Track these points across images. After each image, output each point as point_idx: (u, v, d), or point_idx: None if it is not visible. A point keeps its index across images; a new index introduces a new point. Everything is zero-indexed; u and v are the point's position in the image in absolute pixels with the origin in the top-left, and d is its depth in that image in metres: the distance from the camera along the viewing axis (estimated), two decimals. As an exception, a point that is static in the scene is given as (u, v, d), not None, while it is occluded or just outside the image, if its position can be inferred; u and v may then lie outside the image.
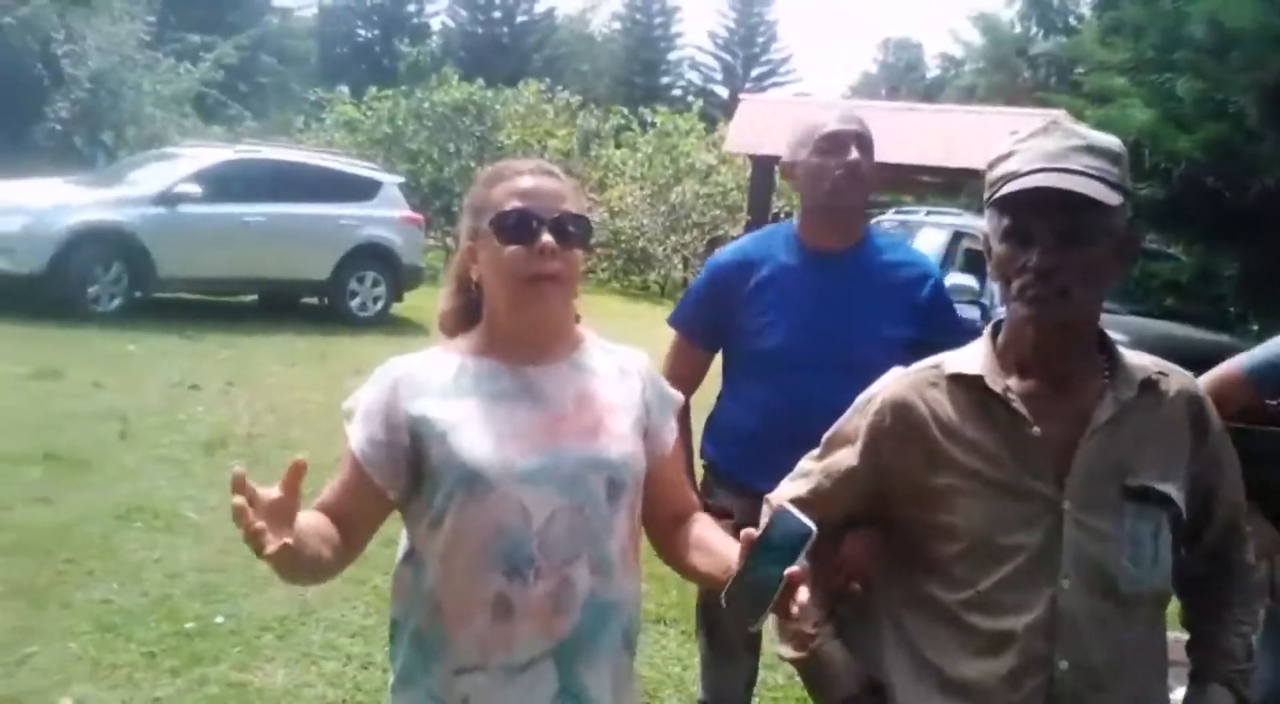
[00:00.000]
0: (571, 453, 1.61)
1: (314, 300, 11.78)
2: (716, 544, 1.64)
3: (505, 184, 1.64)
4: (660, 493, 1.75)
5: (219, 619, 3.88)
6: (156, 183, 10.32)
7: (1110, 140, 1.50)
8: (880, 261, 2.52)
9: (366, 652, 3.70)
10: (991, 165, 1.53)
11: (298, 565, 1.44)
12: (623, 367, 1.75)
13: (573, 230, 1.62)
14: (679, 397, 1.83)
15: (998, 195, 1.47)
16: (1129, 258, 1.52)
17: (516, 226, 1.59)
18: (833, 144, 2.43)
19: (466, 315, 1.72)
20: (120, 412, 6.52)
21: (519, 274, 1.58)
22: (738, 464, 2.55)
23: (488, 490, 1.56)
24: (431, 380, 1.64)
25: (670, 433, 1.77)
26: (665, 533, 1.77)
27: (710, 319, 2.58)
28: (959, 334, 2.53)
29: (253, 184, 10.80)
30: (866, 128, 2.49)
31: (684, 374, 2.54)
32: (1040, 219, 1.43)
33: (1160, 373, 1.55)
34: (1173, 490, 1.50)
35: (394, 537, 1.73)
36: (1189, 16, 5.68)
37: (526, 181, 1.64)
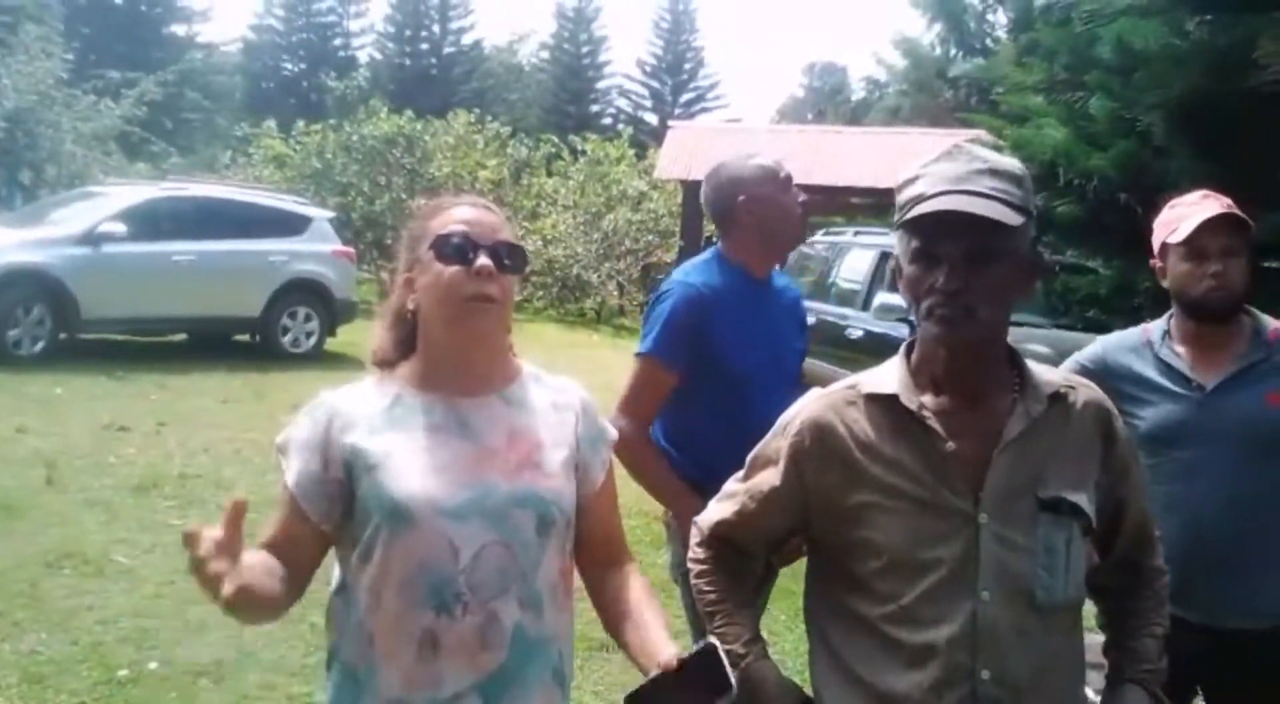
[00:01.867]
0: (500, 488, 1.61)
1: (246, 337, 11.61)
2: (648, 625, 1.66)
3: (443, 215, 1.69)
4: (589, 529, 1.76)
5: (152, 665, 3.80)
6: (79, 222, 10.14)
7: (1012, 163, 1.55)
8: (778, 286, 2.83)
9: (306, 691, 3.65)
10: (900, 188, 1.58)
11: (253, 605, 1.46)
12: (556, 401, 1.76)
13: (508, 257, 1.66)
14: (613, 432, 1.84)
15: (906, 218, 1.52)
16: (1034, 276, 1.58)
17: (456, 249, 1.63)
18: (788, 184, 2.70)
19: (402, 347, 1.73)
20: (46, 456, 6.37)
21: (458, 293, 1.61)
22: (716, 475, 2.56)
23: (413, 525, 1.56)
24: (364, 413, 1.65)
25: (601, 468, 1.77)
26: (596, 579, 1.79)
27: (689, 345, 2.64)
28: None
29: (180, 221, 10.65)
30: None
31: (652, 401, 2.65)
32: (946, 240, 1.48)
33: (1068, 386, 1.60)
34: (1083, 500, 1.55)
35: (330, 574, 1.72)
36: (1098, 38, 5.86)
37: (463, 212, 1.69)
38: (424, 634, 1.56)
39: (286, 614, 1.63)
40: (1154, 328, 2.52)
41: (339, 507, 1.62)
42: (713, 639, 1.49)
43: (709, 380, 2.64)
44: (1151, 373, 2.46)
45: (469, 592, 1.57)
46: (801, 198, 2.69)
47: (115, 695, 3.57)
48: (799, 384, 2.61)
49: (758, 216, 2.67)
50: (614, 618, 1.74)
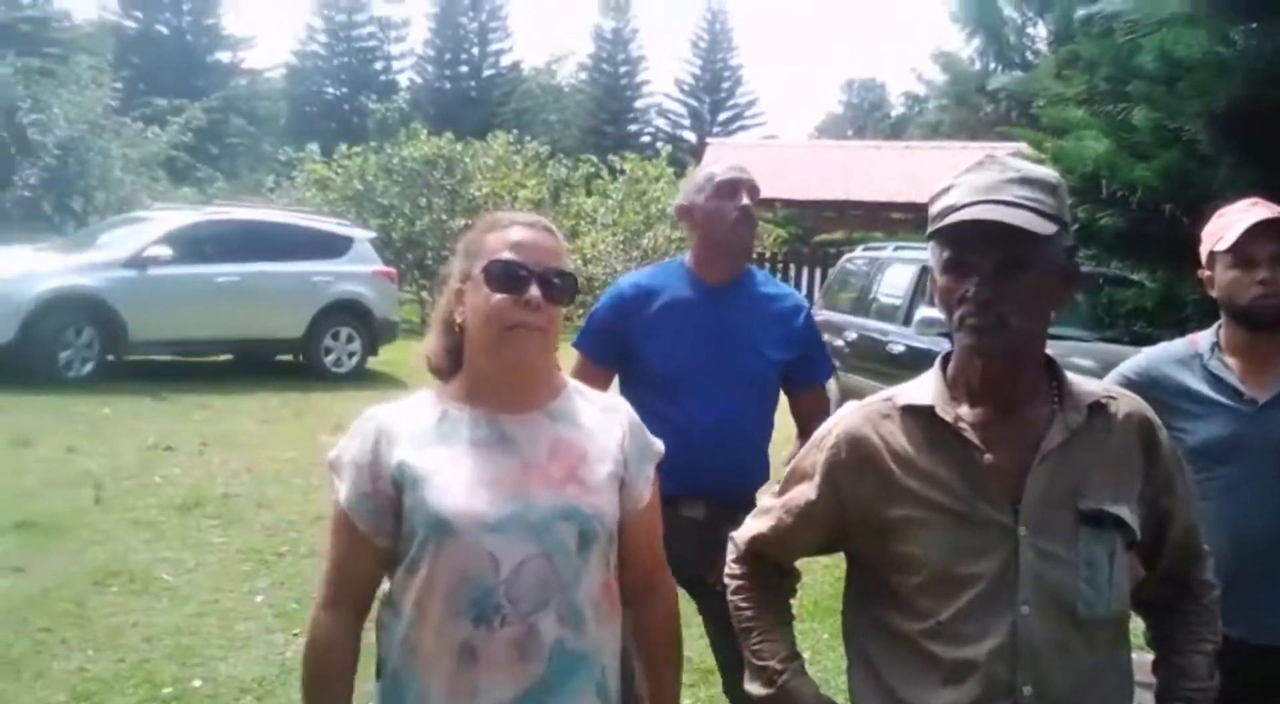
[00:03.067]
0: (542, 502, 1.62)
1: (289, 358, 11.74)
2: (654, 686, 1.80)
3: (500, 233, 1.70)
4: (631, 544, 1.77)
5: (197, 683, 3.83)
6: (126, 246, 10.32)
7: (1045, 172, 1.53)
8: (761, 293, 2.82)
9: (348, 709, 3.66)
10: (933, 200, 1.56)
11: None
12: (603, 416, 1.77)
13: (559, 285, 1.67)
14: (660, 447, 1.85)
15: (937, 228, 1.51)
16: (1070, 285, 1.55)
17: (505, 276, 1.64)
18: (728, 190, 2.74)
19: (452, 357, 1.75)
20: (95, 476, 6.47)
21: (502, 322, 1.62)
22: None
23: (456, 539, 1.59)
24: (410, 429, 1.67)
25: (646, 484, 1.79)
26: (631, 597, 1.79)
27: (612, 342, 2.79)
28: (826, 355, 2.97)
29: (224, 244, 10.81)
30: (747, 171, 2.81)
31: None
32: (977, 250, 1.46)
33: (1109, 397, 1.57)
34: (1125, 513, 1.52)
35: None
36: (1140, 48, 5.79)
37: (521, 234, 1.69)
38: (463, 645, 1.58)
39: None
40: (1202, 339, 2.45)
41: (389, 521, 1.65)
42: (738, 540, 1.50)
43: (636, 380, 2.77)
44: (1200, 385, 2.39)
45: (508, 604, 1.58)
46: (742, 202, 2.70)
47: (159, 713, 3.60)
48: (765, 389, 2.73)
49: (697, 223, 2.79)
50: (639, 662, 1.83)
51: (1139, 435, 1.58)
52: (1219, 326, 2.44)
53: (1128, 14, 5.92)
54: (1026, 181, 1.49)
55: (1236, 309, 2.37)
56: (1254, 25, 5.16)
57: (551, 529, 1.62)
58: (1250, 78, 5.01)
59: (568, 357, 2.12)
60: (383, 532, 1.65)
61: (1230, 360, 2.39)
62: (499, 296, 1.63)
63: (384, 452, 1.65)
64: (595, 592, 1.67)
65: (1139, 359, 2.55)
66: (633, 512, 1.75)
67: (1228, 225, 2.38)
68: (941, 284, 1.53)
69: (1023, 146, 8.16)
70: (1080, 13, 7.09)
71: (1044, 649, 1.46)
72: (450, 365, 1.75)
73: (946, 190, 1.54)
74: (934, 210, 1.54)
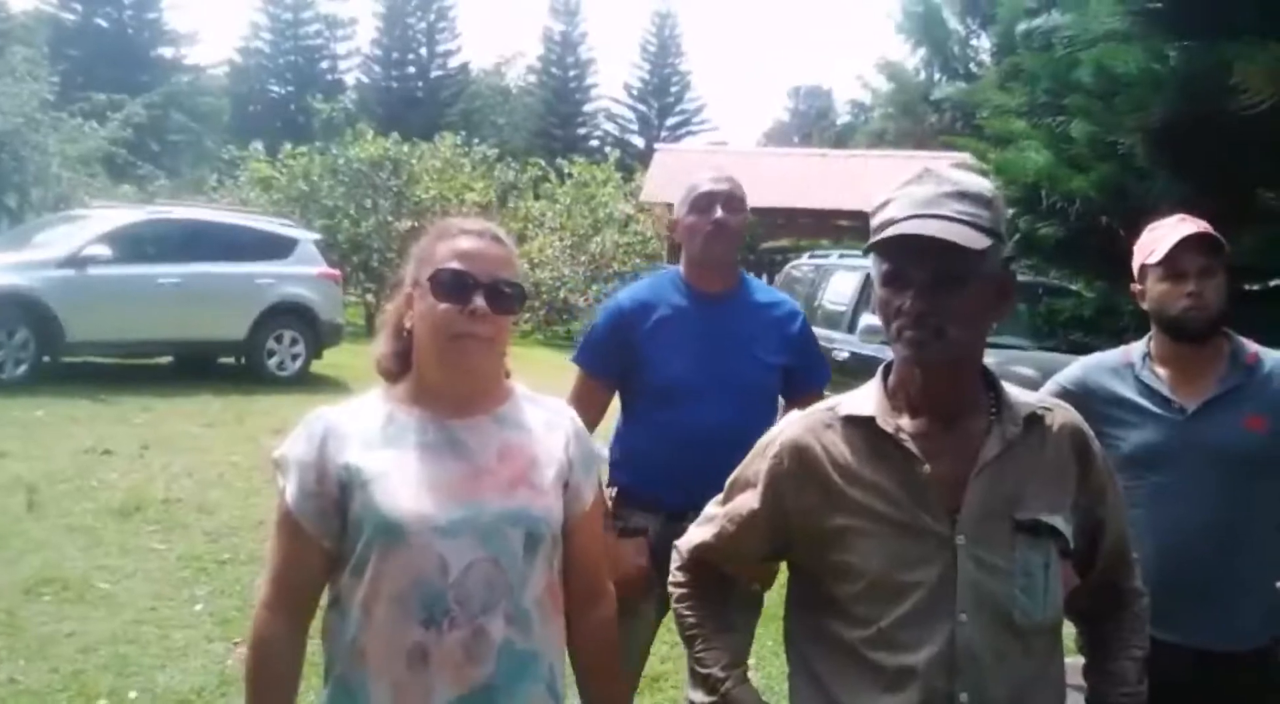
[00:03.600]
0: (491, 506, 1.64)
1: (231, 360, 11.57)
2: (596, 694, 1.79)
3: (449, 242, 1.70)
4: (575, 550, 1.79)
5: (133, 694, 3.76)
6: (64, 245, 10.11)
7: (981, 185, 1.56)
8: (756, 301, 2.85)
9: (289, 718, 3.62)
10: (873, 213, 1.59)
11: None
12: (549, 421, 1.79)
13: (507, 295, 1.68)
14: (604, 453, 1.88)
15: (875, 242, 1.53)
16: (1006, 297, 1.58)
17: (451, 286, 1.65)
18: (704, 203, 2.75)
19: (400, 361, 1.76)
20: (27, 481, 6.32)
21: (447, 331, 1.64)
22: (650, 485, 2.74)
23: (405, 541, 1.60)
24: (358, 430, 1.68)
25: (591, 490, 1.82)
26: (572, 604, 1.80)
27: (612, 357, 2.80)
28: (823, 362, 2.95)
29: (165, 244, 10.64)
30: (737, 185, 2.81)
31: (588, 408, 2.75)
32: (913, 263, 1.49)
33: (1044, 408, 1.61)
34: (1060, 522, 1.55)
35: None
36: (1079, 63, 5.91)
37: (469, 243, 1.70)
38: (413, 648, 1.60)
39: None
40: (1134, 349, 2.53)
41: (336, 522, 1.65)
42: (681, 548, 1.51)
43: (638, 391, 2.79)
44: (1132, 394, 2.47)
45: (457, 606, 1.60)
46: (715, 216, 2.71)
47: (95, 724, 3.53)
48: (765, 395, 2.75)
49: (682, 236, 2.82)
50: (577, 670, 1.85)
51: (1073, 446, 1.61)
52: (1150, 337, 2.51)
53: (1066, 29, 6.05)
54: (963, 195, 1.52)
55: (1166, 320, 2.44)
56: (1187, 44, 5.29)
57: (500, 533, 1.64)
58: (1184, 94, 5.14)
59: (520, 361, 2.10)
60: (329, 533, 1.65)
61: (1161, 370, 2.46)
62: (444, 306, 1.64)
63: (331, 452, 1.65)
64: (540, 593, 1.69)
65: (1074, 369, 2.62)
66: (577, 516, 1.78)
67: (1158, 239, 2.45)
68: (880, 296, 1.55)
69: (966, 157, 8.30)
70: (1021, 27, 7.21)
71: (981, 657, 1.49)
72: (399, 369, 1.76)
73: (885, 204, 1.56)
74: (874, 223, 1.57)
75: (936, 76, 23.47)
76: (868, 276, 9.58)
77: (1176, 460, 2.39)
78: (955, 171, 1.57)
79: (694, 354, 2.70)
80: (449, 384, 1.70)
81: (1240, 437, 2.36)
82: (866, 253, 1.58)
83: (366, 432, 1.68)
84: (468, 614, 1.60)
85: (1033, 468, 1.56)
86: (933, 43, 23.17)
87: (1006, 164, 6.61)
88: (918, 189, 1.54)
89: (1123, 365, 2.52)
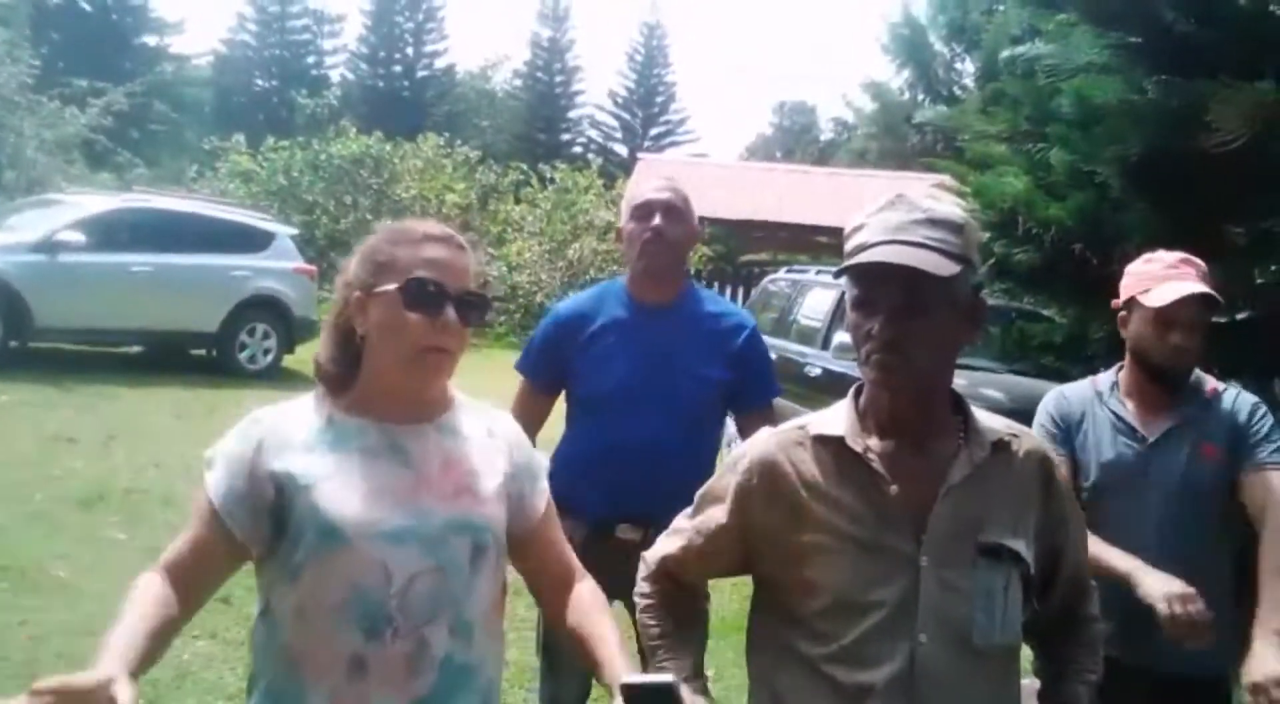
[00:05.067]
0: (437, 514, 1.61)
1: (202, 352, 11.47)
2: (596, 640, 1.67)
3: (414, 249, 1.64)
4: (540, 557, 1.78)
5: (87, 684, 3.71)
6: (36, 229, 10.02)
7: (952, 212, 1.57)
8: (701, 312, 2.81)
9: (244, 715, 3.59)
10: (846, 236, 1.60)
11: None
12: (490, 429, 1.76)
13: (474, 307, 1.65)
14: (545, 462, 1.85)
15: (846, 266, 1.55)
16: (975, 323, 1.60)
17: (423, 297, 1.60)
18: (642, 212, 2.72)
19: (345, 366, 1.69)
20: (-12, 466, 6.25)
21: (417, 343, 1.60)
22: (579, 494, 2.68)
23: (348, 547, 1.55)
24: (297, 433, 1.63)
25: (540, 497, 1.79)
26: (553, 604, 1.79)
27: (550, 365, 2.82)
28: (770, 377, 2.89)
29: (140, 233, 10.55)
30: (679, 195, 2.76)
31: (528, 415, 2.75)
32: (882, 289, 1.51)
33: (1012, 434, 1.63)
34: (1022, 547, 1.57)
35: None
36: (1059, 92, 5.97)
37: (437, 251, 1.65)
38: (352, 658, 1.55)
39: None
40: (1102, 380, 2.60)
41: (266, 524, 1.59)
42: (671, 676, 1.48)
43: (572, 401, 2.81)
44: (1101, 424, 2.54)
45: (400, 617, 1.56)
46: (653, 224, 2.67)
47: (46, 714, 3.48)
48: (703, 410, 2.73)
49: (626, 245, 2.80)
50: (579, 640, 1.73)
51: (1038, 473, 1.64)
52: (1119, 368, 2.58)
53: (1049, 58, 6.10)
54: (933, 222, 1.53)
55: (1149, 363, 2.49)
56: (1165, 78, 5.36)
57: (445, 542, 1.60)
58: (1161, 127, 5.19)
59: (494, 365, 2.09)
60: (255, 536, 1.59)
61: (1127, 400, 2.54)
62: (415, 317, 1.60)
63: (268, 454, 1.60)
64: (485, 605, 1.67)
65: (1050, 404, 2.65)
66: (532, 522, 1.76)
67: (1155, 278, 2.47)
68: (851, 320, 1.57)
69: (946, 179, 8.35)
70: (1005, 53, 7.25)
71: (941, 677, 1.51)
72: (344, 375, 1.69)
73: (859, 228, 1.58)
74: (847, 247, 1.59)
75: (920, 98, 23.63)
76: (844, 294, 9.64)
77: (1137, 487, 2.46)
78: (927, 199, 1.59)
79: (627, 366, 2.69)
80: (406, 393, 1.66)
81: (1197, 465, 2.44)
82: (838, 276, 1.59)
83: (305, 435, 1.63)
84: (410, 625, 1.56)
85: (998, 492, 1.58)
86: (917, 65, 23.32)
87: (985, 188, 6.65)
88: (890, 215, 1.55)
89: (1090, 395, 2.59)
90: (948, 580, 1.53)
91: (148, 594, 1.54)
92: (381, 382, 1.66)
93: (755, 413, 2.76)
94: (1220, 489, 2.48)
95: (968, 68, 22.32)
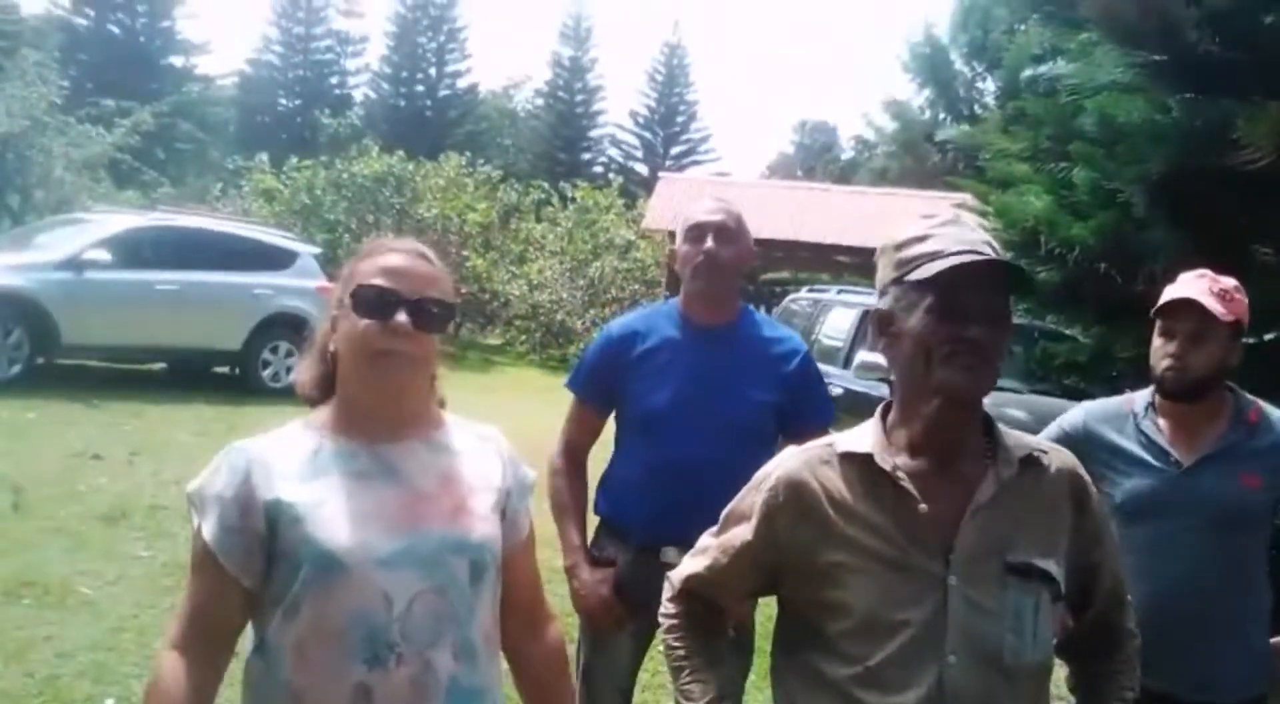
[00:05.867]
0: (433, 534, 1.59)
1: (225, 370, 11.54)
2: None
3: (374, 259, 1.66)
4: (513, 579, 1.75)
5: (109, 701, 3.74)
6: (64, 248, 10.11)
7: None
8: (754, 336, 2.77)
9: (266, 733, 3.59)
10: (901, 246, 1.59)
11: None
12: (483, 447, 1.75)
13: (432, 314, 1.63)
14: (533, 477, 1.84)
15: (924, 272, 1.52)
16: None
17: (373, 302, 1.60)
18: (695, 234, 2.70)
19: (324, 384, 1.71)
20: (13, 482, 6.28)
21: (368, 348, 1.59)
22: (624, 515, 2.73)
23: (346, 575, 1.52)
24: (285, 462, 1.60)
25: (526, 517, 1.78)
26: (515, 638, 1.77)
27: (601, 384, 2.79)
28: (823, 401, 2.82)
29: (165, 251, 10.64)
30: (732, 216, 2.72)
31: (579, 433, 2.84)
32: (976, 296, 1.50)
33: (1040, 451, 1.62)
34: (1053, 567, 1.55)
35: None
36: (1082, 110, 5.94)
37: (395, 259, 1.65)
38: (356, 688, 1.52)
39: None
40: (1138, 399, 2.53)
41: (259, 560, 1.56)
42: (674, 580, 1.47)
43: (622, 420, 2.78)
44: (1131, 445, 2.47)
45: (403, 641, 1.53)
46: (705, 247, 2.64)
47: (68, 730, 3.50)
48: (753, 433, 2.62)
49: (680, 266, 2.77)
50: (527, 693, 1.81)
51: (1069, 490, 1.62)
52: (1155, 388, 2.51)
53: (1071, 77, 6.08)
54: (991, 245, 1.56)
55: (1152, 375, 2.47)
56: (1189, 97, 5.34)
57: (443, 562, 1.58)
58: (1184, 147, 5.16)
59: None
60: (250, 571, 1.56)
61: (1162, 422, 2.47)
62: (365, 322, 1.60)
63: (257, 486, 1.56)
64: (487, 625, 1.65)
65: (1076, 414, 2.62)
66: (515, 545, 1.74)
67: (1170, 291, 2.45)
68: (923, 326, 1.53)
69: (967, 198, 8.32)
70: (1027, 72, 7.26)
71: (970, 698, 1.49)
72: (321, 394, 1.71)
73: (923, 238, 1.56)
74: (908, 255, 1.57)
75: (941, 117, 23.62)
76: (865, 313, 9.63)
77: (1169, 513, 2.38)
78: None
79: (678, 387, 2.66)
80: (374, 405, 1.64)
81: (1236, 493, 2.36)
82: (898, 284, 1.57)
83: (294, 464, 1.60)
84: (414, 649, 1.54)
85: (1027, 510, 1.57)
86: (938, 84, 23.34)
87: (1007, 208, 6.63)
88: (959, 230, 1.56)
89: (1124, 414, 2.52)
90: (976, 600, 1.51)
91: (177, 694, 1.51)
92: (352, 397, 1.65)
93: (807, 436, 2.71)
94: (1263, 519, 2.42)
95: (989, 87, 22.32)
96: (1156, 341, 2.45)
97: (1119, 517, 2.42)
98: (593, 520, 2.83)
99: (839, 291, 9.60)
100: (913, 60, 23.34)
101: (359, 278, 1.64)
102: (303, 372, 1.75)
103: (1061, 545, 1.59)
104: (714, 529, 1.78)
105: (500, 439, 1.80)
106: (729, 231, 2.69)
